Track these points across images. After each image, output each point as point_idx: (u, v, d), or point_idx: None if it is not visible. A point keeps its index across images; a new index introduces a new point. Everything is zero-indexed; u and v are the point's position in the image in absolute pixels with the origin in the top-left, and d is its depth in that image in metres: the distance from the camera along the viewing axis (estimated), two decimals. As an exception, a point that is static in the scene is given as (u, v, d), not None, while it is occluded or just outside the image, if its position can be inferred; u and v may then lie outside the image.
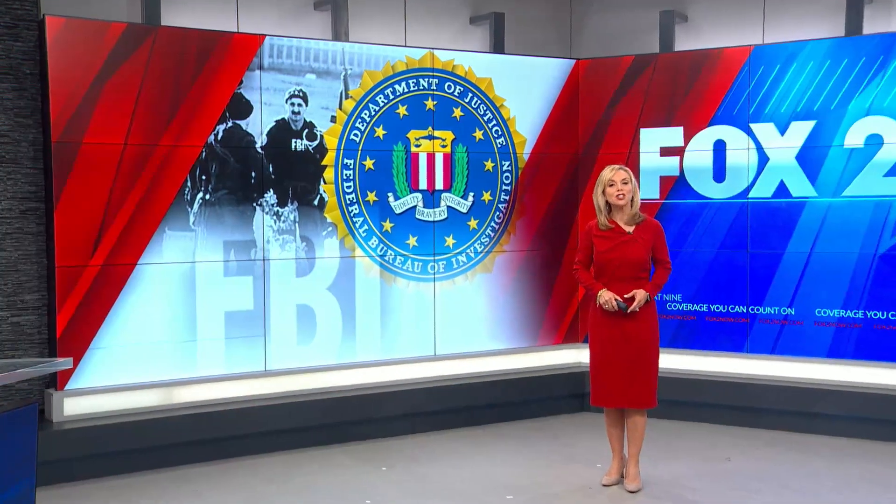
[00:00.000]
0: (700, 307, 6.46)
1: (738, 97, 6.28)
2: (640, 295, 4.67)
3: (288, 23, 6.23)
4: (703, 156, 6.40)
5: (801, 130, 6.09)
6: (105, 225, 5.30)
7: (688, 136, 6.44)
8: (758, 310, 6.27)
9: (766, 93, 6.19)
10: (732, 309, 6.35)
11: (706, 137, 6.39)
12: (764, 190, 6.22)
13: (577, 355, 6.76)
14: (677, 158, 6.47)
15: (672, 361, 6.31)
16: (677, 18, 6.72)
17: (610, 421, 4.90)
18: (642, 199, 6.25)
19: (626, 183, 4.71)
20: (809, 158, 6.08)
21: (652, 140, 6.55)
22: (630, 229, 4.76)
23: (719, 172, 6.36)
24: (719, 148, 6.35)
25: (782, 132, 6.15)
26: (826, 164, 6.02)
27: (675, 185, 6.49)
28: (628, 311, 4.69)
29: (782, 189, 6.16)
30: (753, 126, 6.24)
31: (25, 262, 5.29)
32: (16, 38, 5.23)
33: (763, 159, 6.22)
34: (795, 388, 6.03)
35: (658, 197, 6.53)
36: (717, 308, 6.40)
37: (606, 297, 4.70)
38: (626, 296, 4.69)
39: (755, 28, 6.57)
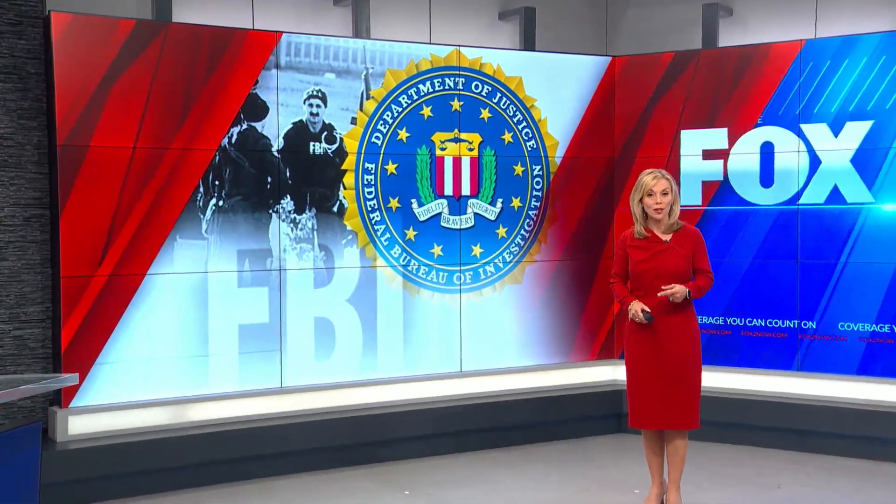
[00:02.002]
0: (744, 321, 6.37)
1: (787, 96, 6.19)
2: (678, 287, 4.55)
3: (306, 19, 6.23)
4: (750, 159, 6.32)
5: (856, 131, 5.98)
6: (113, 233, 5.31)
7: (733, 138, 6.37)
8: (809, 324, 6.16)
9: (818, 91, 6.10)
10: (781, 323, 6.26)
11: (753, 139, 6.31)
12: (816, 195, 6.13)
13: (613, 372, 6.69)
14: (721, 162, 6.40)
15: (713, 379, 6.21)
16: (721, 12, 6.66)
17: (648, 443, 4.83)
18: (683, 206, 6.19)
19: (665, 194, 4.64)
20: (866, 161, 5.97)
21: (694, 142, 6.48)
22: (667, 238, 4.69)
23: (767, 177, 6.27)
24: (767, 150, 6.27)
25: (836, 133, 6.05)
26: (885, 168, 5.92)
27: (719, 191, 6.41)
28: (662, 293, 4.53)
29: (836, 194, 6.05)
30: (804, 127, 6.15)
31: (29, 272, 5.31)
32: (20, 36, 5.26)
33: (815, 162, 6.13)
34: (851, 410, 5.90)
35: (700, 203, 6.45)
36: (763, 322, 6.31)
37: (635, 308, 4.62)
38: (664, 288, 4.55)
39: (807, 21, 6.48)
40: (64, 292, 5.20)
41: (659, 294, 4.58)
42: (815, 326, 6.13)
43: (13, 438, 3.12)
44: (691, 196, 6.45)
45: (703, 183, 6.46)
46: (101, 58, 5.26)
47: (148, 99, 5.38)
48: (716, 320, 6.44)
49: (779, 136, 6.23)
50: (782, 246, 6.23)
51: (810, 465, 5.74)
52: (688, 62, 6.50)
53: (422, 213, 6.21)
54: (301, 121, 5.84)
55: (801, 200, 6.17)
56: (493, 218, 6.42)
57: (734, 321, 6.40)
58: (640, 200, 4.70)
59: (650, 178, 4.67)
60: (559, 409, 6.44)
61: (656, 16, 7.12)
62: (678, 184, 6.39)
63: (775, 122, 6.23)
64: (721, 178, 6.41)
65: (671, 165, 6.47)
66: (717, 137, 6.42)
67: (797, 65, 6.15)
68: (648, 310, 4.60)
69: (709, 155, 6.44)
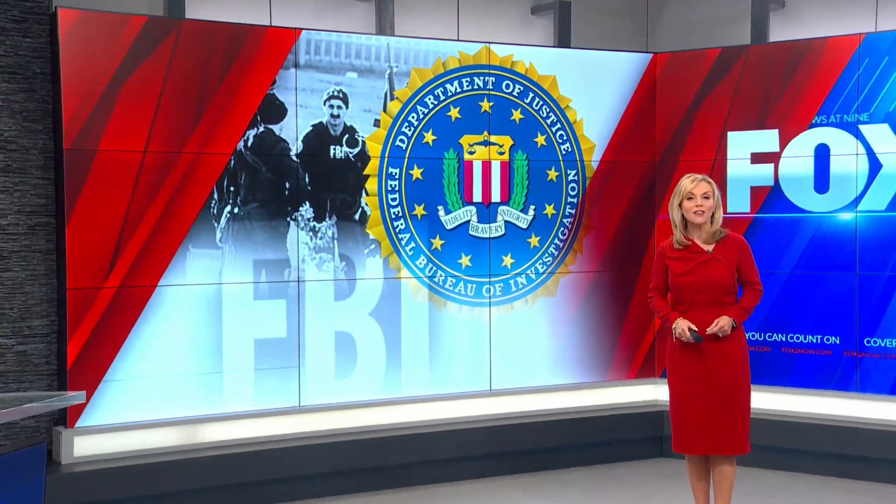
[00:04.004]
0: (796, 338, 6.29)
1: (844, 95, 6.11)
2: (723, 321, 4.54)
3: (327, 15, 6.25)
4: (803, 162, 6.25)
5: (921, 133, 5.91)
6: (122, 242, 5.33)
7: (784, 140, 6.30)
8: (869, 342, 6.07)
9: (878, 89, 6.00)
10: (837, 341, 6.17)
11: (806, 141, 6.23)
12: (876, 202, 6.03)
13: (654, 392, 6.65)
14: (771, 166, 6.34)
15: (762, 400, 6.12)
16: (772, 4, 6.61)
17: (693, 469, 4.77)
18: (730, 214, 6.16)
19: (707, 197, 4.60)
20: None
21: (742, 145, 6.42)
22: (709, 248, 4.65)
23: (822, 182, 6.20)
24: (822, 153, 6.19)
25: (898, 135, 5.98)
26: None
27: (769, 197, 6.34)
28: (711, 331, 4.54)
29: (899, 201, 5.98)
30: (863, 128, 6.07)
31: (33, 284, 5.34)
32: (25, 34, 5.30)
33: (875, 166, 6.04)
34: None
35: (749, 210, 6.39)
36: (818, 339, 6.23)
37: (681, 326, 4.58)
38: (708, 330, 4.55)
39: (867, 13, 6.40)
40: (70, 305, 5.22)
41: (707, 331, 4.54)
42: (874, 343, 6.04)
43: (16, 460, 3.13)
44: (739, 203, 6.39)
45: (752, 188, 6.39)
46: (111, 57, 5.28)
47: (159, 100, 5.40)
48: (775, 336, 6.36)
49: (835, 138, 6.15)
50: (838, 256, 6.15)
51: (869, 495, 5.64)
52: (735, 58, 6.44)
53: (449, 220, 6.19)
54: (321, 123, 5.84)
55: (860, 207, 6.09)
56: (524, 226, 6.39)
57: (792, 338, 6.31)
58: (680, 205, 4.67)
59: (689, 182, 4.66)
60: (596, 430, 6.39)
61: (701, 9, 7.08)
62: (724, 189, 6.35)
63: (832, 122, 6.15)
64: (771, 184, 6.34)
65: (717, 170, 6.41)
66: (767, 139, 6.35)
67: (855, 60, 6.07)
68: (696, 329, 4.54)
69: (758, 158, 6.38)
